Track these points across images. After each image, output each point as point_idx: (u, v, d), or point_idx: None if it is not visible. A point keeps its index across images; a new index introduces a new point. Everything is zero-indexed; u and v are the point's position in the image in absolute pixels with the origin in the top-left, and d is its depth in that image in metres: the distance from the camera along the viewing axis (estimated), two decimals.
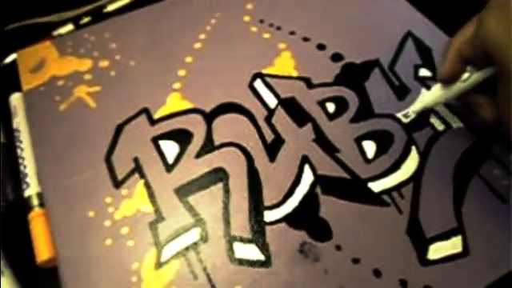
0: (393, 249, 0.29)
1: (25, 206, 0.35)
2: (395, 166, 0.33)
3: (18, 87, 0.40)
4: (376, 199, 0.31)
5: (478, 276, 0.28)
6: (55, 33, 0.45)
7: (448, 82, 0.30)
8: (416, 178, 0.32)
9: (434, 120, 0.35)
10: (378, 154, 0.33)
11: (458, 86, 0.30)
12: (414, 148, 0.34)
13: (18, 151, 0.37)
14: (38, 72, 0.40)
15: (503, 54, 0.24)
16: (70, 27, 0.46)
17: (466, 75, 0.29)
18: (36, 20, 0.47)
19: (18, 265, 0.33)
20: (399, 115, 0.35)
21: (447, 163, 0.33)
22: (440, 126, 0.35)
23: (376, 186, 0.32)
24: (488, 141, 0.34)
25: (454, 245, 0.30)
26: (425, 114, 0.35)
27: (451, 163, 0.33)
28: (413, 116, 0.34)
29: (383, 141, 0.34)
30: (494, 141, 0.34)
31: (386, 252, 0.29)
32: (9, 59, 0.44)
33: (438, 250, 0.29)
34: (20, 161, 0.37)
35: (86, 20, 0.46)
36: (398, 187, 0.32)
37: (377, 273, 0.29)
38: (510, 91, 0.25)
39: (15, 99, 0.40)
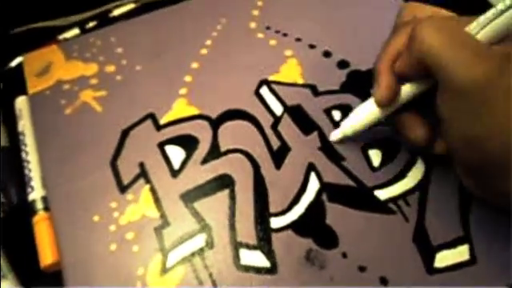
0: (399, 257, 0.29)
1: (29, 209, 0.34)
2: (401, 174, 0.33)
3: (23, 90, 0.40)
4: (382, 207, 0.31)
5: (485, 285, 0.28)
6: (61, 37, 0.45)
7: (387, 104, 0.29)
8: (422, 186, 0.32)
9: None
10: (383, 162, 0.33)
11: (394, 105, 0.29)
12: (419, 156, 0.34)
13: (23, 155, 0.37)
14: (43, 76, 0.40)
15: (446, 64, 0.24)
16: (75, 31, 0.46)
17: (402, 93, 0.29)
18: (42, 24, 0.47)
19: (22, 269, 0.33)
20: (332, 138, 0.34)
21: (453, 171, 0.33)
22: None
23: (382, 194, 0.32)
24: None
25: (460, 253, 0.30)
26: None
27: None
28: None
29: (389, 149, 0.34)
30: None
31: (393, 260, 0.29)
32: (14, 62, 0.44)
33: (444, 259, 0.29)
34: (25, 164, 0.36)
35: (91, 24, 0.46)
36: (404, 195, 0.32)
37: (383, 281, 0.29)
38: (452, 102, 0.25)
39: (20, 102, 0.40)
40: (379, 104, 0.30)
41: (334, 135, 0.34)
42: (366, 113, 0.31)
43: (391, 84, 0.29)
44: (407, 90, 0.29)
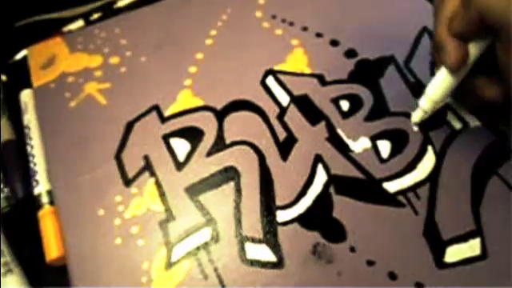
0: (409, 251, 0.29)
1: (35, 203, 0.34)
2: (411, 166, 0.32)
3: (28, 84, 0.40)
4: (391, 200, 0.31)
5: (497, 280, 0.28)
6: (65, 29, 0.45)
7: (460, 68, 0.29)
8: (432, 178, 0.31)
9: (451, 118, 0.34)
10: (393, 154, 0.33)
11: (465, 67, 0.29)
12: (430, 147, 0.33)
13: (28, 148, 0.37)
14: (48, 68, 0.39)
15: (505, 18, 0.24)
16: (80, 23, 0.45)
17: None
18: (46, 16, 0.46)
19: (28, 263, 0.33)
20: (415, 119, 0.33)
21: (465, 163, 0.32)
22: (457, 125, 0.34)
23: (391, 187, 0.31)
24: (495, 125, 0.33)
25: (471, 248, 0.29)
26: (441, 113, 0.34)
27: (469, 163, 0.32)
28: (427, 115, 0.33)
29: (398, 140, 0.33)
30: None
31: (402, 254, 0.29)
32: (19, 55, 0.44)
33: (455, 253, 0.29)
34: (30, 158, 0.36)
35: (96, 16, 0.45)
36: (414, 188, 0.31)
37: (392, 276, 0.28)
38: None
39: (25, 96, 0.40)
40: (454, 69, 0.29)
41: (416, 116, 0.33)
42: (441, 84, 0.30)
43: (459, 47, 0.28)
44: (472, 49, 0.29)
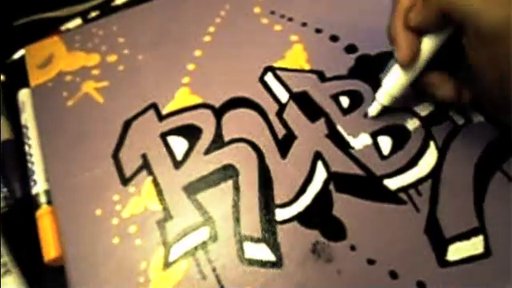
0: (410, 249, 0.28)
1: (32, 203, 0.34)
2: (412, 162, 0.31)
3: (26, 83, 0.39)
4: (392, 197, 0.30)
5: (500, 279, 0.27)
6: (63, 27, 0.44)
7: (411, 64, 0.29)
8: (434, 174, 0.31)
9: (453, 114, 0.33)
10: (394, 150, 0.32)
11: (419, 63, 0.29)
12: (432, 143, 0.32)
13: (26, 148, 0.37)
14: (45, 67, 0.39)
15: (472, 10, 0.23)
16: (78, 22, 0.45)
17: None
18: (44, 15, 0.46)
19: (26, 263, 0.33)
20: (372, 112, 0.33)
21: (468, 159, 0.31)
22: (460, 120, 0.33)
23: (392, 183, 0.31)
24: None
25: (474, 245, 0.28)
26: (443, 108, 0.34)
27: (472, 159, 0.31)
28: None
29: (399, 136, 0.33)
30: None
31: (403, 252, 0.28)
32: (17, 55, 0.44)
33: (457, 251, 0.28)
34: (28, 157, 0.36)
35: (94, 14, 0.45)
36: (416, 184, 0.30)
37: (393, 274, 0.27)
38: (484, 48, 0.24)
39: (23, 95, 0.40)
40: (404, 65, 0.29)
41: (372, 108, 0.33)
42: (396, 78, 0.30)
43: (411, 42, 0.28)
44: (428, 43, 0.28)
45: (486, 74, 0.25)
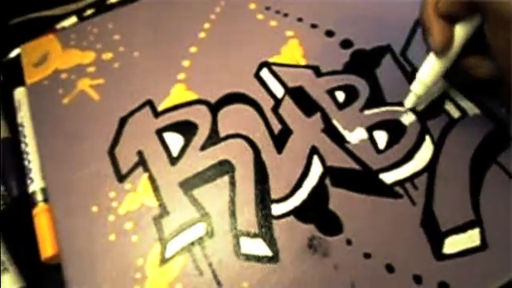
0: (406, 243, 0.28)
1: (29, 201, 0.34)
2: (408, 156, 0.31)
3: (22, 82, 0.39)
4: (388, 191, 0.30)
5: (497, 271, 0.27)
6: (59, 26, 0.44)
7: (447, 50, 0.29)
8: (430, 168, 0.31)
9: (449, 107, 0.33)
10: (389, 144, 0.32)
11: (453, 50, 0.29)
12: (427, 137, 0.32)
13: (23, 146, 0.37)
14: (41, 66, 0.39)
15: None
16: (73, 20, 0.45)
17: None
18: (40, 13, 0.46)
19: (23, 261, 0.33)
20: (407, 104, 0.33)
21: (463, 152, 0.31)
22: (455, 113, 0.33)
23: (388, 177, 0.31)
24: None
25: (471, 238, 0.28)
26: (439, 101, 0.34)
27: (468, 152, 0.31)
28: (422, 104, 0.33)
29: (395, 130, 0.33)
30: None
31: (399, 246, 0.28)
32: (13, 54, 0.44)
33: (454, 244, 0.28)
34: (24, 156, 0.36)
35: (89, 12, 0.45)
36: (412, 178, 0.30)
37: (389, 268, 0.27)
38: (504, 33, 0.24)
39: (19, 93, 0.40)
40: (440, 52, 0.29)
41: (409, 100, 0.33)
42: (431, 67, 0.30)
43: (443, 29, 0.28)
44: (460, 30, 0.28)
45: (506, 60, 0.25)
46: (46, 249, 0.32)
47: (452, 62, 0.30)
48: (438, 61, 0.30)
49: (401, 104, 0.33)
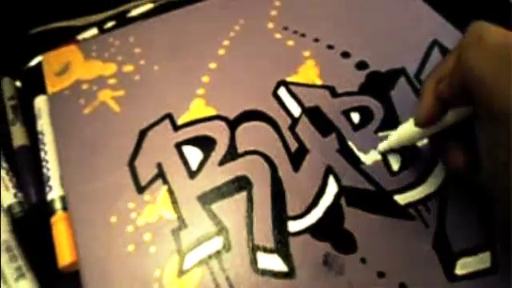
0: (419, 263, 0.29)
1: (48, 209, 0.35)
2: (421, 179, 0.32)
3: (42, 90, 0.40)
4: (402, 212, 0.31)
5: None
6: (80, 37, 0.45)
7: (426, 125, 0.29)
8: (443, 191, 0.32)
9: None
10: (403, 167, 0.33)
11: (433, 128, 0.29)
12: (440, 160, 0.33)
13: (42, 154, 0.37)
14: (62, 75, 0.40)
15: (485, 91, 0.22)
16: (94, 31, 0.46)
17: (445, 118, 0.28)
18: (60, 24, 0.47)
19: (40, 268, 0.33)
20: (379, 148, 0.34)
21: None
22: None
23: (401, 199, 0.31)
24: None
25: (482, 260, 0.29)
26: None
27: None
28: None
29: (408, 153, 0.33)
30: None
31: (412, 266, 0.29)
32: (34, 62, 0.45)
33: (465, 266, 0.29)
34: (43, 163, 0.37)
35: (110, 24, 0.46)
36: (425, 200, 0.31)
37: (403, 287, 0.28)
38: (494, 132, 0.23)
39: (40, 102, 0.40)
40: (417, 124, 0.29)
41: (381, 146, 0.34)
42: (406, 131, 0.31)
43: (432, 106, 0.27)
44: (449, 114, 0.28)
45: (491, 157, 0.24)
46: (64, 257, 0.32)
47: (428, 136, 0.30)
48: (415, 129, 0.30)
49: None
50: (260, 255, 0.30)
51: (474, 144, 0.26)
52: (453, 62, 0.26)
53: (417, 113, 0.29)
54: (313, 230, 0.30)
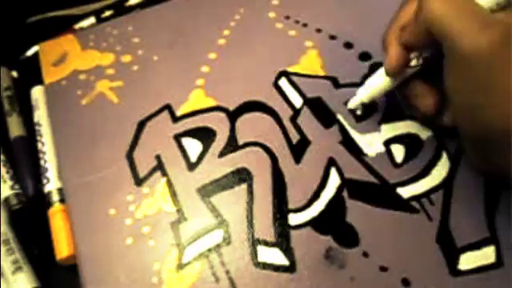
0: (422, 257, 0.28)
1: (45, 201, 0.34)
2: (425, 171, 0.32)
3: (39, 80, 0.39)
4: (405, 205, 0.30)
5: None
6: (77, 26, 0.45)
7: (396, 74, 0.30)
8: (447, 184, 0.31)
9: None
10: (407, 158, 0.32)
11: (403, 75, 0.30)
12: (444, 152, 0.32)
13: (39, 145, 0.37)
14: (60, 65, 0.39)
15: (451, 33, 0.24)
16: (91, 21, 0.45)
17: (412, 62, 0.29)
18: (58, 13, 0.46)
19: (38, 261, 0.33)
20: (350, 106, 0.34)
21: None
22: None
23: (405, 192, 0.31)
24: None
25: (486, 255, 0.28)
26: None
27: None
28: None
29: (413, 144, 0.33)
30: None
31: (415, 261, 0.28)
32: (31, 52, 0.44)
33: (469, 260, 0.28)
34: (40, 155, 0.36)
35: (108, 13, 0.45)
36: (428, 193, 0.31)
37: (405, 282, 0.28)
38: (459, 72, 0.24)
39: (36, 92, 0.40)
40: (389, 74, 0.30)
41: (352, 102, 0.34)
42: (377, 82, 0.31)
43: (399, 54, 0.29)
44: (415, 59, 0.29)
45: (457, 98, 0.26)
46: (62, 249, 0.32)
47: (400, 83, 0.31)
48: (386, 80, 0.31)
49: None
50: (260, 248, 0.29)
51: (440, 85, 0.27)
52: (414, 9, 0.27)
53: (386, 63, 0.29)
54: (314, 223, 0.30)
